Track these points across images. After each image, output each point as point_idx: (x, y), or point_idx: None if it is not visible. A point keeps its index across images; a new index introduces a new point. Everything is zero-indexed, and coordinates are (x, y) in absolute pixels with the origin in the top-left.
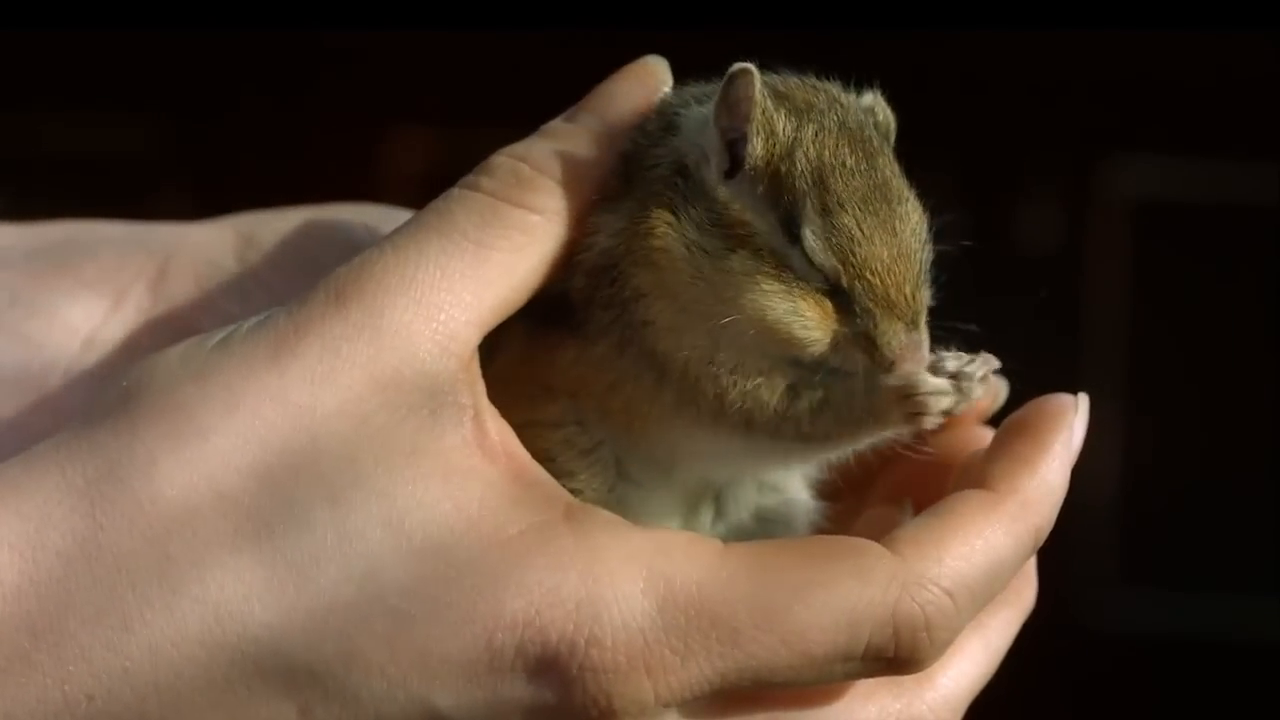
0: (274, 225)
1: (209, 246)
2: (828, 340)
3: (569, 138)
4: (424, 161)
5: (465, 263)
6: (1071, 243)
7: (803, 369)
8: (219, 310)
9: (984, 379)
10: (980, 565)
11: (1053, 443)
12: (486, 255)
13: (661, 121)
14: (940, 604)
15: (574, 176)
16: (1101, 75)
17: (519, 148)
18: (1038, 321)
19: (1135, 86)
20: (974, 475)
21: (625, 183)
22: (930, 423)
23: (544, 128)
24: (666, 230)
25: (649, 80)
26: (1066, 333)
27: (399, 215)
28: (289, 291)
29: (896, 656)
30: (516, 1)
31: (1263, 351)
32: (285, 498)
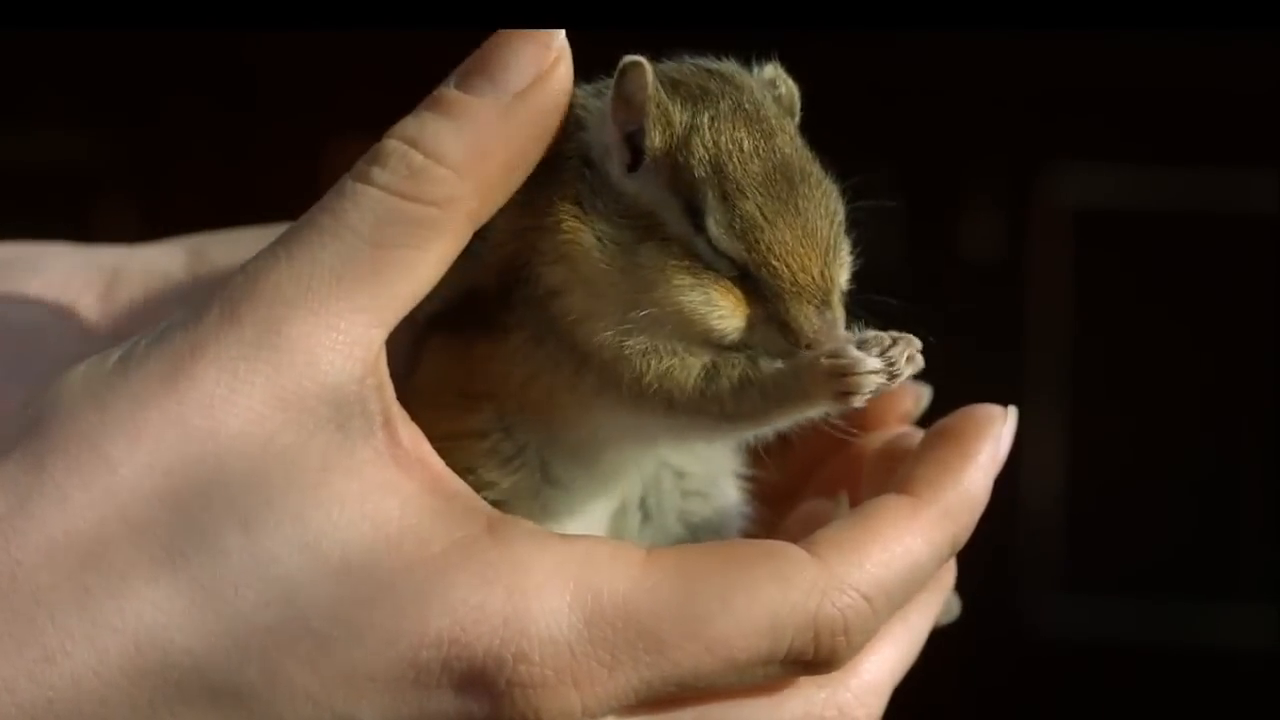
0: (224, 242)
1: (159, 260)
2: (743, 325)
3: (466, 112)
4: None
5: (362, 267)
6: (1013, 251)
7: (724, 350)
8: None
9: (910, 359)
10: (899, 571)
11: (977, 452)
12: (384, 256)
13: (568, 117)
14: (859, 608)
15: (475, 157)
16: (1042, 83)
17: (410, 128)
18: (980, 329)
19: (1075, 95)
20: (898, 478)
21: (529, 181)
22: (859, 401)
23: (437, 97)
24: (574, 224)
25: (545, 43)
26: (1009, 340)
27: None
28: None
29: (815, 659)
30: (462, 4)
31: (1203, 358)
32: (197, 525)
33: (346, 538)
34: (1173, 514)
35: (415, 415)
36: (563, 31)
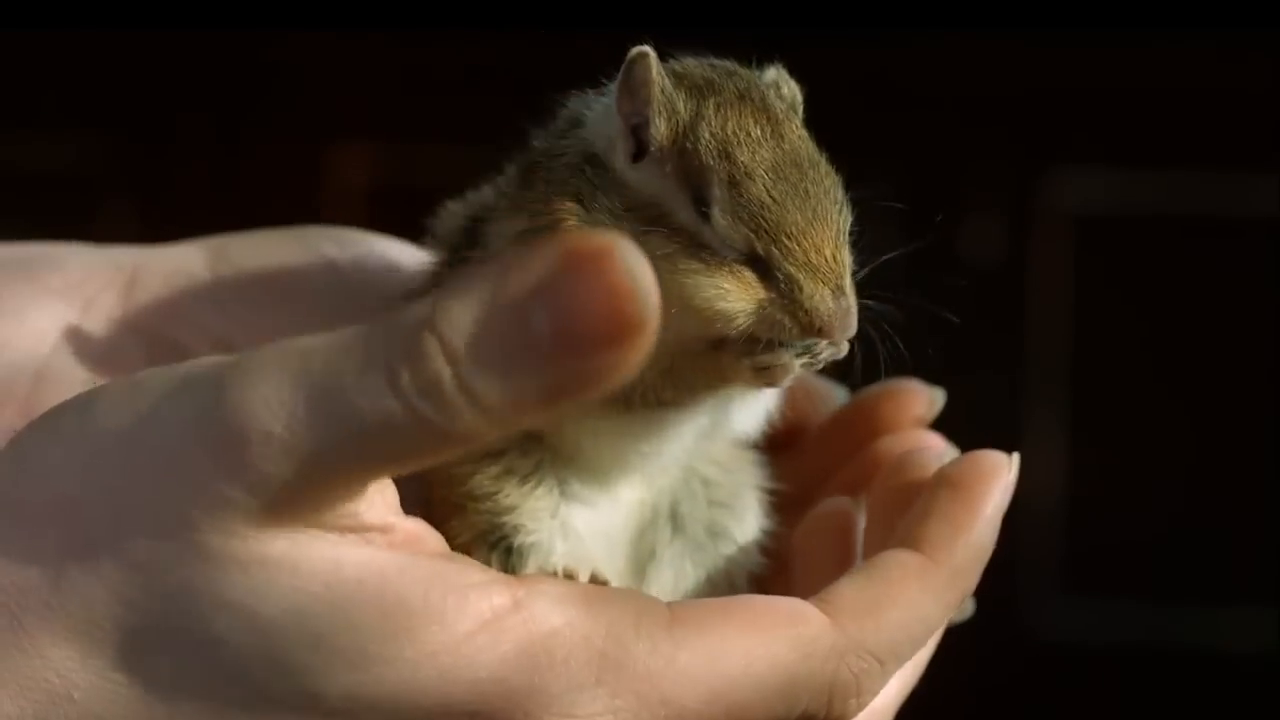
0: (245, 241)
1: (180, 259)
2: (752, 310)
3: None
4: (367, 176)
5: None
6: (1014, 255)
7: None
8: (193, 320)
9: (832, 345)
10: (913, 634)
11: (985, 506)
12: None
13: (566, 119)
14: (872, 671)
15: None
16: (1042, 88)
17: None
18: (981, 333)
19: (1076, 99)
20: (908, 529)
21: (524, 186)
22: (782, 384)
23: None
24: (574, 221)
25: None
26: (1010, 344)
27: (364, 239)
28: (266, 301)
29: (826, 718)
30: (461, 13)
31: (1204, 361)
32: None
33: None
34: (1174, 517)
35: None
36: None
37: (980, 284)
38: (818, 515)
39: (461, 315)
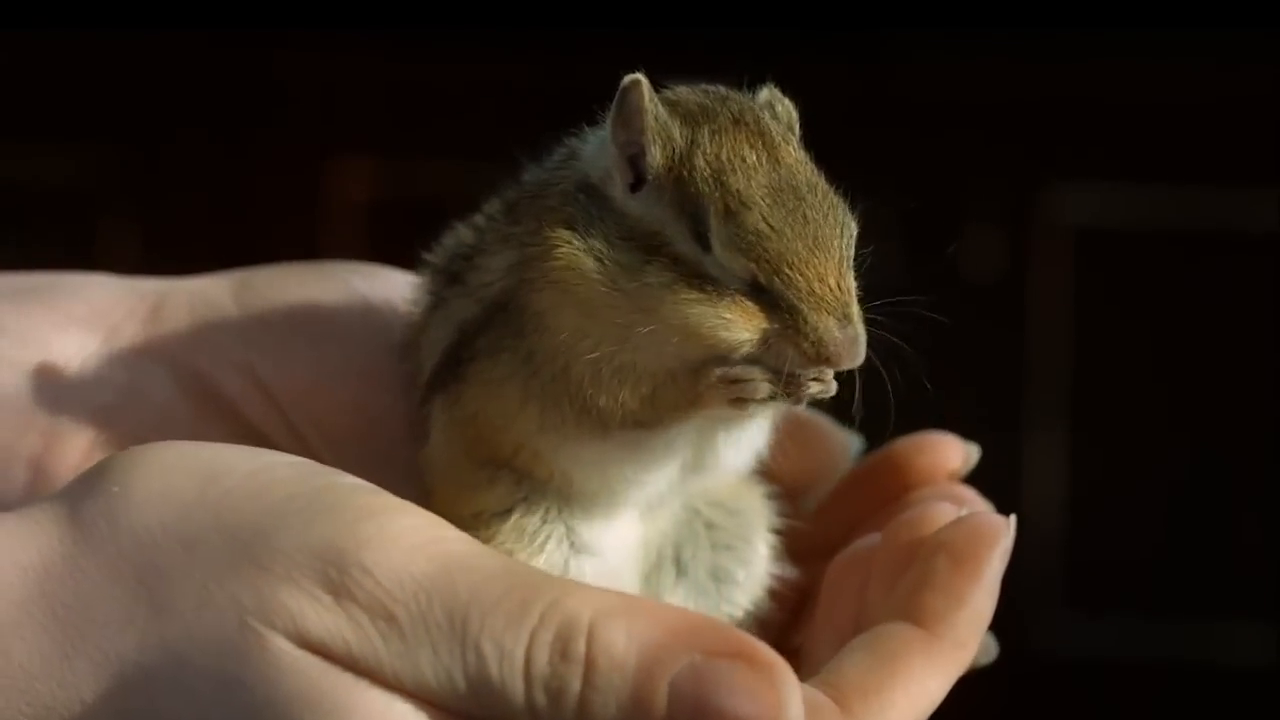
0: (270, 274)
1: (205, 290)
2: (754, 337)
3: None
4: (367, 190)
5: None
6: (1014, 270)
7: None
8: (220, 349)
9: (819, 382)
10: (918, 709)
11: (984, 575)
12: None
13: (561, 154)
14: None
15: None
16: (1042, 102)
17: None
18: (981, 348)
19: (1076, 113)
20: (908, 596)
21: (513, 221)
22: (754, 409)
23: None
24: (568, 249)
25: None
26: (1010, 359)
27: (388, 274)
28: (293, 332)
29: None
30: (461, 29)
31: (1203, 376)
32: None
33: None
34: (1173, 531)
35: (436, 492)
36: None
37: (981, 298)
38: (854, 551)
39: (621, 654)
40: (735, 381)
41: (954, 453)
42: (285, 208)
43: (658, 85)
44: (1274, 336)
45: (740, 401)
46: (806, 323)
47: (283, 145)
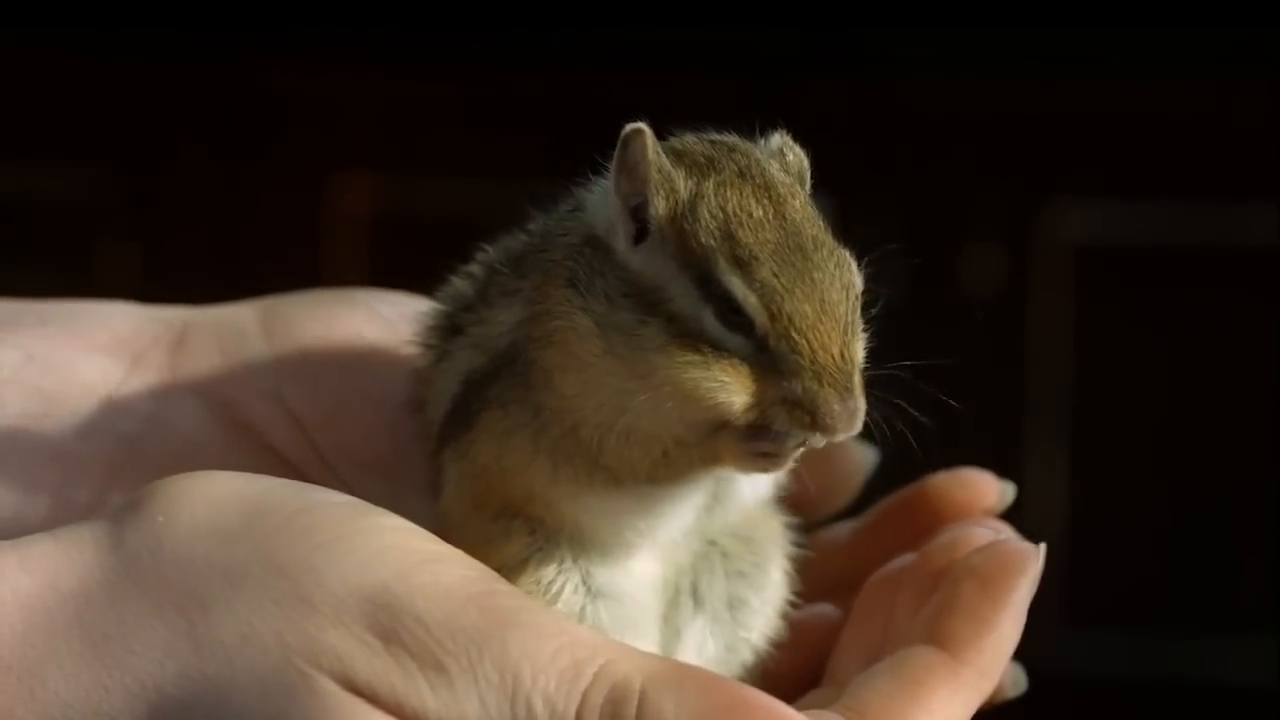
0: (295, 300)
1: (230, 317)
2: (750, 401)
3: None
4: (368, 207)
5: None
6: (1014, 286)
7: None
8: (247, 376)
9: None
10: None
11: (1011, 601)
12: None
13: (568, 204)
14: None
15: None
16: (1042, 118)
17: None
18: (982, 364)
19: (1076, 129)
20: (934, 620)
21: (519, 275)
22: (779, 470)
23: None
24: (568, 309)
25: None
26: (1011, 375)
27: (411, 301)
28: (320, 359)
29: None
30: (461, 47)
31: (1204, 391)
32: None
33: None
34: (1174, 548)
35: (454, 546)
36: None
37: (981, 314)
38: (888, 570)
39: None
40: (765, 455)
41: (990, 489)
42: (286, 224)
43: (662, 134)
44: (1274, 351)
45: (765, 467)
46: (807, 392)
47: (283, 162)
